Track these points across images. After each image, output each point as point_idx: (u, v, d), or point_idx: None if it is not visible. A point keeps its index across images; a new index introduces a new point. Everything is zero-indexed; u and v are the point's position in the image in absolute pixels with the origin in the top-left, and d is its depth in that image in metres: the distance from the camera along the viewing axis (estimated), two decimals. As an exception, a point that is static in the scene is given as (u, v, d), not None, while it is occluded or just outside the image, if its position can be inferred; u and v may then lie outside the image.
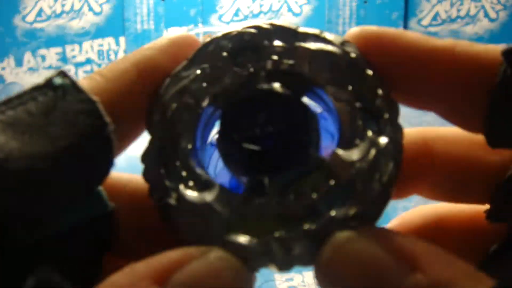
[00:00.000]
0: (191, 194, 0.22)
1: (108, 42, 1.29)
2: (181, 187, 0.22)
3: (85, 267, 0.18)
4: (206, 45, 0.24)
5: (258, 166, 0.22)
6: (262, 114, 0.22)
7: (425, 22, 1.27)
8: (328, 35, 0.24)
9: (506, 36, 1.23)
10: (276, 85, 0.23)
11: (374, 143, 0.21)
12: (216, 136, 0.23)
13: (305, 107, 0.23)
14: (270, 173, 0.22)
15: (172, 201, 0.21)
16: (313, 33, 0.24)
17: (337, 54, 0.23)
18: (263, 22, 0.24)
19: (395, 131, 0.21)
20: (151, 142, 0.23)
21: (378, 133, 0.21)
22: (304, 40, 0.23)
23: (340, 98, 0.22)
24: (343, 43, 0.23)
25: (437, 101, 0.23)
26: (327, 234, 0.20)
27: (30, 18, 1.21)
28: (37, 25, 1.22)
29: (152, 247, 0.21)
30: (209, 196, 0.22)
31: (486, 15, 1.24)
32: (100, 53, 1.29)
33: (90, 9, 1.25)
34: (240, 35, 0.24)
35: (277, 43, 0.24)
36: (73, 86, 0.21)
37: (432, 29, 1.27)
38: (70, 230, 0.21)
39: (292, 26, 0.24)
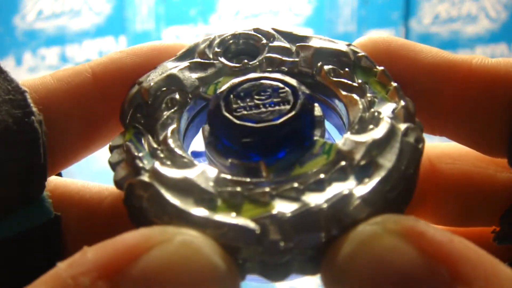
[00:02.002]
0: (169, 170, 0.18)
1: (108, 42, 1.29)
2: (157, 164, 0.18)
3: (35, 276, 0.15)
4: (197, 44, 0.22)
5: (253, 148, 0.19)
6: (260, 95, 0.20)
7: (425, 22, 1.27)
8: (331, 39, 0.22)
9: (506, 36, 1.22)
10: (276, 74, 0.20)
11: (391, 127, 0.19)
12: (204, 126, 0.21)
13: (309, 96, 0.20)
14: (266, 157, 0.19)
15: (144, 178, 0.18)
16: (316, 36, 0.22)
17: (343, 51, 0.21)
18: (263, 25, 0.23)
19: (413, 119, 0.19)
20: (125, 131, 0.20)
21: (395, 119, 0.19)
22: (307, 41, 0.22)
23: (348, 89, 0.20)
24: (348, 45, 0.22)
25: (450, 120, 0.21)
26: (340, 220, 0.16)
27: (30, 18, 1.21)
28: (37, 25, 1.21)
29: None
30: (191, 173, 0.18)
31: (487, 15, 1.24)
32: (100, 52, 1.29)
33: (90, 9, 1.25)
34: (237, 37, 0.22)
35: (277, 43, 0.22)
36: (2, 76, 0.20)
37: (432, 29, 1.26)
38: (7, 240, 0.19)
39: (294, 30, 0.22)
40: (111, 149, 0.20)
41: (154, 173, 0.18)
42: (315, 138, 0.19)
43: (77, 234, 0.22)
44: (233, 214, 0.17)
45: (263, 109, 0.19)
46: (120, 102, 0.21)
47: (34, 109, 0.19)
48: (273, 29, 0.23)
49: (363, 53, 0.21)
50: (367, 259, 0.15)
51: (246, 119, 0.19)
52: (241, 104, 0.20)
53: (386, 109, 0.19)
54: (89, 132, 0.22)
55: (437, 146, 0.24)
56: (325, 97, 0.22)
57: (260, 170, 0.18)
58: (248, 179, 0.18)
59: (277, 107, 0.19)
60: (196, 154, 0.22)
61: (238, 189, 0.17)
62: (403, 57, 0.21)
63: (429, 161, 0.23)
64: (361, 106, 0.20)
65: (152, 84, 0.21)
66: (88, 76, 0.21)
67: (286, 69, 0.21)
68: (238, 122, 0.19)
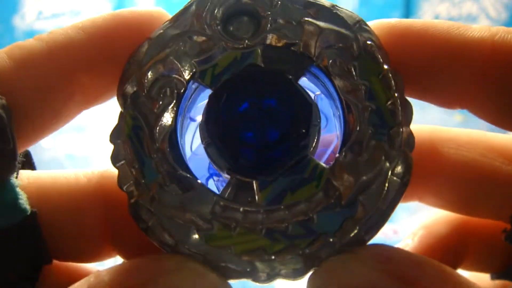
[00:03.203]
0: (169, 197, 0.19)
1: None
2: (158, 185, 0.19)
3: (20, 273, 0.17)
4: (193, 4, 0.20)
5: (248, 167, 0.20)
6: (257, 102, 0.20)
7: (425, 22, 1.26)
8: (342, 12, 0.20)
9: (507, 36, 1.22)
10: (275, 67, 0.20)
11: (381, 165, 0.19)
12: (200, 119, 0.21)
13: (307, 99, 0.20)
14: (260, 175, 0.19)
15: (146, 202, 0.19)
16: (324, 4, 0.20)
17: (350, 37, 0.20)
18: None
19: (407, 144, 0.19)
20: (123, 118, 0.20)
21: (389, 145, 0.19)
22: (313, 14, 0.20)
23: (348, 90, 0.20)
24: (357, 23, 0.20)
25: (473, 96, 0.20)
26: (319, 257, 0.18)
27: (30, 18, 1.21)
28: (37, 25, 1.22)
29: (94, 247, 0.20)
30: (189, 202, 0.19)
31: (487, 15, 1.23)
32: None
33: (90, 9, 1.25)
34: None
35: (281, 13, 0.20)
36: None
37: (432, 29, 1.26)
38: None
39: None
40: (112, 140, 0.20)
41: (157, 198, 0.19)
42: (308, 157, 0.19)
43: (61, 226, 0.22)
44: (229, 249, 0.18)
45: (261, 126, 0.20)
46: (79, 74, 0.20)
47: None
48: None
49: (371, 42, 0.20)
50: (337, 283, 0.17)
51: (244, 137, 0.20)
52: (240, 118, 0.20)
53: (382, 129, 0.19)
54: (53, 110, 0.21)
55: (444, 130, 0.24)
56: (322, 79, 0.21)
57: (253, 189, 0.19)
58: (242, 208, 0.19)
59: (274, 126, 0.20)
60: (192, 120, 0.23)
61: (233, 220, 0.19)
62: (420, 42, 0.20)
63: (432, 144, 0.23)
64: (358, 118, 0.19)
65: (149, 74, 0.20)
66: (44, 56, 0.20)
67: (287, 48, 0.20)
68: (235, 141, 0.19)
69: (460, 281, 0.16)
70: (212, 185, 0.23)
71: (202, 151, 0.21)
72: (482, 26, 0.20)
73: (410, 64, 0.20)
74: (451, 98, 0.21)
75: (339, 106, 0.20)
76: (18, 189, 0.20)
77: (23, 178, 0.20)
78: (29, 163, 0.23)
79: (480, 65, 0.19)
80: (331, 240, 0.18)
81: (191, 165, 0.20)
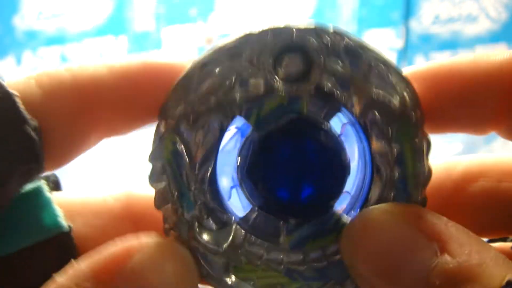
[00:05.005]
0: (206, 236, 0.20)
1: (108, 42, 1.29)
2: (195, 218, 0.20)
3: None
4: (245, 38, 0.20)
5: (277, 208, 0.21)
6: (298, 154, 0.21)
7: (425, 22, 1.26)
8: (392, 71, 0.20)
9: (506, 36, 1.22)
10: (322, 126, 0.20)
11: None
12: (240, 161, 0.21)
13: (344, 162, 0.21)
14: (286, 217, 0.21)
15: (182, 233, 0.20)
16: (378, 63, 0.19)
17: (397, 107, 0.19)
18: (316, 24, 0.20)
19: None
20: (163, 141, 0.20)
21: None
22: (366, 66, 0.19)
23: (382, 155, 0.20)
24: (406, 92, 0.20)
25: (500, 121, 0.21)
26: None
27: (30, 18, 1.21)
28: (37, 25, 1.22)
29: None
30: (222, 237, 0.21)
31: (487, 15, 1.24)
32: (100, 53, 1.29)
33: (90, 8, 1.25)
34: (289, 32, 0.19)
35: (334, 60, 0.19)
36: None
37: (432, 29, 1.26)
38: (20, 253, 0.20)
39: (357, 39, 0.20)
40: (151, 161, 0.20)
41: (194, 235, 0.20)
42: (333, 210, 0.21)
43: (90, 247, 0.22)
44: (252, 281, 0.20)
45: (296, 179, 0.21)
46: (102, 109, 0.21)
47: (27, 115, 0.19)
48: (336, 33, 0.19)
49: (415, 113, 0.19)
50: (373, 231, 0.18)
51: (278, 183, 0.21)
52: (278, 166, 0.21)
53: (402, 195, 0.20)
54: (76, 138, 0.21)
55: (459, 164, 0.24)
56: (360, 134, 0.21)
57: (280, 231, 0.21)
58: (267, 245, 0.21)
59: (309, 182, 0.21)
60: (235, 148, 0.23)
61: (259, 255, 0.20)
62: (450, 81, 0.20)
63: (453, 183, 0.24)
64: (385, 181, 0.20)
65: (195, 98, 0.20)
66: (70, 84, 0.20)
67: (333, 99, 0.20)
68: (272, 193, 0.21)
69: (486, 248, 0.18)
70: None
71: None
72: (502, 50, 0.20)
73: (442, 102, 0.21)
74: (482, 125, 0.21)
75: (368, 164, 0.20)
76: (54, 205, 0.21)
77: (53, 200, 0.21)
78: (58, 189, 0.23)
79: (507, 88, 0.20)
80: (340, 287, 0.20)
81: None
